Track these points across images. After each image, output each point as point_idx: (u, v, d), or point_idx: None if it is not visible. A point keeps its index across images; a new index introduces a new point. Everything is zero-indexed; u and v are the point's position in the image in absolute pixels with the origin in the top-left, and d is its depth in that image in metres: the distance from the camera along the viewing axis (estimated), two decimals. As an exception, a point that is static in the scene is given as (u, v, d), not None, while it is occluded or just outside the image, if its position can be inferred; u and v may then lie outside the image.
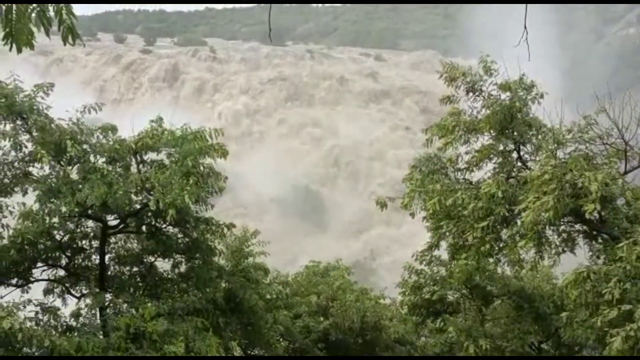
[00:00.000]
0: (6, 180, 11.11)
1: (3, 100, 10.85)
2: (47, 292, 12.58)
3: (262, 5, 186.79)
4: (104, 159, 11.24)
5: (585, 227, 10.25)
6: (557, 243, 10.34)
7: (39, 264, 12.32)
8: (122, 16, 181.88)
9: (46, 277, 12.57)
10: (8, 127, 11.09)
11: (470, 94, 10.91)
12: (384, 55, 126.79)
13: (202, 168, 11.03)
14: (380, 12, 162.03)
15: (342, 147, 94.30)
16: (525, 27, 5.17)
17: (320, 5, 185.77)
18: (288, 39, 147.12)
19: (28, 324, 9.85)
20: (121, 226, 12.05)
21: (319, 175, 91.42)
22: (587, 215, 8.49)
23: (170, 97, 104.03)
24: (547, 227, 9.26)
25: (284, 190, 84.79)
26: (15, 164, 11.10)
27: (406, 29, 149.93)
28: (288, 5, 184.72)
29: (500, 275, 14.52)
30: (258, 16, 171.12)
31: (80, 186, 10.68)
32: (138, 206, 11.37)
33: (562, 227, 10.41)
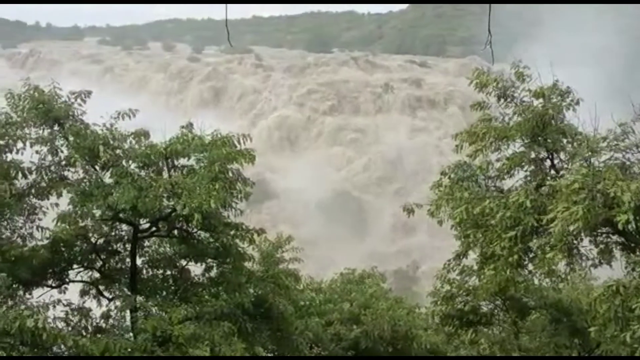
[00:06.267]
0: (43, 184, 11.46)
1: (41, 106, 11.22)
2: (83, 293, 12.92)
3: (309, 12, 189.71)
4: (136, 164, 11.48)
5: (622, 239, 9.86)
6: (594, 255, 9.99)
7: (75, 266, 12.66)
8: (171, 25, 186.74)
9: (82, 279, 12.90)
10: (46, 132, 11.47)
11: (502, 100, 10.68)
12: (430, 62, 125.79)
13: (230, 174, 11.13)
14: (426, 18, 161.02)
15: (386, 154, 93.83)
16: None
17: (365, 13, 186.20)
18: (333, 47, 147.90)
19: (59, 324, 10.13)
20: (152, 230, 12.25)
21: (362, 182, 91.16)
22: (620, 226, 8.15)
23: (215, 104, 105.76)
24: (579, 238, 8.94)
25: (327, 196, 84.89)
26: (52, 168, 11.44)
27: (453, 36, 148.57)
28: (334, 13, 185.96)
29: (537, 286, 14.11)
30: (304, 24, 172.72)
31: (112, 190, 10.94)
32: (168, 210, 11.54)
33: (600, 239, 10.05)
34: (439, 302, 14.11)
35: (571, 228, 8.04)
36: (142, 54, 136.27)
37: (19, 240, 11.34)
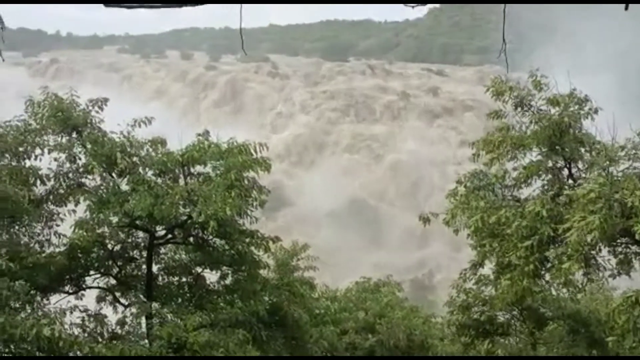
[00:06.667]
0: (61, 191, 11.59)
1: (60, 114, 11.36)
2: (99, 299, 13.01)
3: (325, 21, 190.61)
4: (152, 171, 11.56)
5: (640, 249, 9.73)
6: (613, 265, 9.87)
7: (92, 272, 12.76)
8: (189, 34, 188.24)
9: (99, 285, 12.99)
10: (64, 140, 11.60)
11: (519, 108, 10.63)
12: (447, 71, 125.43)
13: (246, 181, 11.17)
14: (442, 27, 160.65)
15: (402, 162, 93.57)
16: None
17: (382, 21, 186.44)
18: (350, 55, 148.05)
19: (75, 330, 10.19)
20: (168, 237, 12.32)
21: (378, 191, 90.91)
22: (637, 237, 8.04)
23: (231, 112, 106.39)
24: (597, 248, 8.83)
25: (343, 205, 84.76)
26: (70, 175, 11.57)
27: (470, 44, 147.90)
28: (350, 21, 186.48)
29: (555, 297, 13.95)
30: (320, 32, 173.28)
31: (129, 197, 11.03)
32: (184, 218, 11.59)
33: (619, 249, 9.92)
34: (455, 312, 14.01)
35: (588, 238, 7.94)
36: (160, 62, 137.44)
37: (37, 246, 11.45)
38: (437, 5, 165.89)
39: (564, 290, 12.68)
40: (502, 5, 5.33)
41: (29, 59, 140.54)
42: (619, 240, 9.62)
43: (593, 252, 8.76)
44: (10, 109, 12.56)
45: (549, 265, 9.45)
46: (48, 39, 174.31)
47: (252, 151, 11.39)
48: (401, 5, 4.28)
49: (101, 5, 4.12)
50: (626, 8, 3.48)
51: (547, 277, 9.90)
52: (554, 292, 13.68)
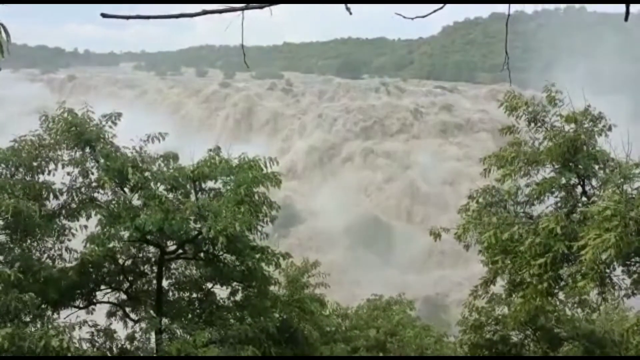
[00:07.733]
0: (73, 205, 11.63)
1: (73, 129, 11.44)
2: (110, 314, 13.00)
3: (339, 39, 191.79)
4: (164, 187, 11.58)
5: (657, 268, 9.55)
6: (627, 284, 9.70)
7: (103, 287, 12.76)
8: (205, 51, 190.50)
9: (109, 300, 12.99)
10: (77, 154, 11.67)
11: (532, 124, 10.55)
12: (460, 88, 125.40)
13: (256, 197, 11.14)
14: (456, 45, 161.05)
15: (415, 180, 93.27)
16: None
17: (396, 39, 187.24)
18: (364, 72, 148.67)
19: (84, 345, 10.16)
20: (179, 252, 12.31)
21: (391, 208, 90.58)
22: (654, 255, 7.89)
23: (245, 129, 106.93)
24: (611, 266, 8.68)
25: (356, 222, 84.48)
26: (82, 190, 11.61)
27: (484, 62, 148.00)
28: (364, 39, 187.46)
29: (570, 317, 13.73)
30: (334, 50, 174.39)
31: (140, 212, 11.04)
32: (195, 233, 11.58)
33: (633, 268, 9.75)
34: (467, 331, 13.81)
35: (603, 256, 7.80)
36: (175, 79, 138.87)
37: (48, 261, 11.47)
38: (451, 23, 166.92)
39: (579, 310, 12.49)
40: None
41: (47, 75, 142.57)
42: (633, 259, 9.46)
43: (608, 270, 8.61)
44: (27, 124, 12.68)
45: (562, 283, 9.30)
46: (66, 56, 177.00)
47: (262, 166, 11.37)
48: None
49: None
50: (626, 19, 3.42)
51: (561, 295, 9.73)
52: (568, 312, 13.47)
